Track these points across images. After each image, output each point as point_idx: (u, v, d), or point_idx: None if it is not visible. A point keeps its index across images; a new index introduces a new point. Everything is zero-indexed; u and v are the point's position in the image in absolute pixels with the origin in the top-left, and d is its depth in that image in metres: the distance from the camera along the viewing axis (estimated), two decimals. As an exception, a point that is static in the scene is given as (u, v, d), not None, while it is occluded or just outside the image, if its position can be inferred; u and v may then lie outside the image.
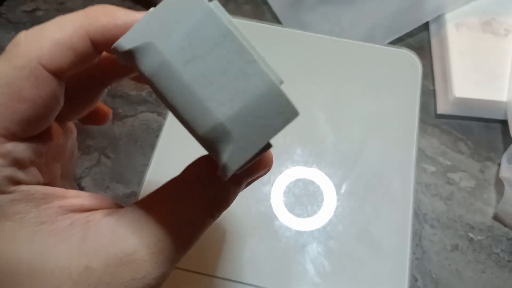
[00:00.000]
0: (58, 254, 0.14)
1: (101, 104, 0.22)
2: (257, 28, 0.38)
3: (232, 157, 0.14)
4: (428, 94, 0.38)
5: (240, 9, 0.41)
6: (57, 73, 0.15)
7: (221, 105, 0.13)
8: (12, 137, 0.15)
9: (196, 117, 0.13)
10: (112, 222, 0.15)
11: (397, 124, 0.35)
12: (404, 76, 0.37)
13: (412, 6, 0.39)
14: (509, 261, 0.31)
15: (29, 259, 0.14)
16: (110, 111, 0.22)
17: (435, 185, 0.34)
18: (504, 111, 0.35)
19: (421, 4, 0.39)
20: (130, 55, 0.14)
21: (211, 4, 0.13)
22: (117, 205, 0.17)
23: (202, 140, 0.14)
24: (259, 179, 0.19)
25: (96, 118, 0.21)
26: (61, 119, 0.18)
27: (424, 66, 0.37)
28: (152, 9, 0.14)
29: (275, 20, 0.40)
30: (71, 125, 0.20)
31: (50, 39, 0.14)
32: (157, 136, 0.34)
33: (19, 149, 0.15)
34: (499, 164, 0.35)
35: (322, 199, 0.32)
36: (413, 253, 0.31)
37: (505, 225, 0.32)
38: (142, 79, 0.15)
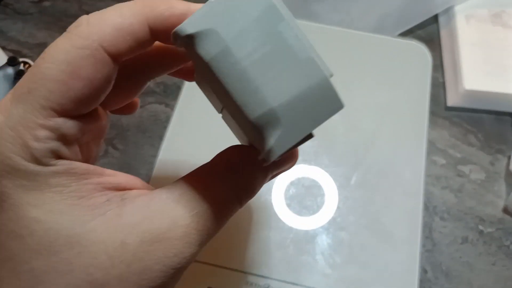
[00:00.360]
0: (95, 228, 0.15)
1: None
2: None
3: (278, 142, 0.14)
4: (438, 86, 0.38)
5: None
6: (115, 57, 0.15)
7: (274, 92, 0.14)
8: (64, 113, 0.15)
9: (249, 102, 0.14)
10: (146, 201, 0.16)
11: (407, 116, 0.34)
12: (414, 68, 0.36)
13: (422, -3, 0.39)
14: (519, 254, 0.31)
15: (67, 230, 0.15)
16: (137, 100, 0.23)
17: (445, 178, 0.34)
18: (514, 103, 0.35)
19: (431, -4, 0.39)
20: (190, 39, 0.14)
21: None
22: (150, 187, 0.18)
23: (252, 124, 0.15)
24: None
25: (126, 106, 0.22)
26: (104, 105, 0.19)
27: (434, 58, 0.37)
28: None
29: (284, 11, 0.40)
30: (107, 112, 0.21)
31: (111, 23, 0.15)
32: (165, 127, 0.34)
33: (68, 125, 0.15)
34: (509, 157, 0.34)
35: (333, 190, 0.32)
36: (423, 245, 0.31)
37: (516, 218, 0.32)
38: (188, 69, 0.16)
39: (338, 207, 0.31)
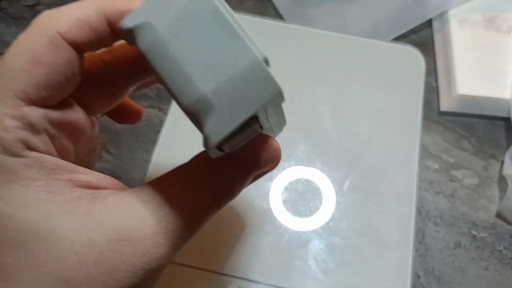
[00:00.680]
0: (62, 224, 0.15)
1: (133, 103, 0.23)
2: (260, 24, 0.38)
3: (213, 129, 0.14)
4: (432, 91, 0.38)
5: (243, 4, 0.41)
6: (75, 46, 0.16)
7: (205, 79, 0.14)
8: (29, 101, 0.15)
9: (182, 90, 0.14)
10: (117, 200, 0.16)
11: (400, 121, 0.34)
12: (407, 73, 0.36)
13: (415, 2, 0.39)
14: (512, 259, 0.31)
15: (33, 225, 0.14)
16: (142, 109, 0.23)
17: (438, 182, 0.34)
18: (507, 108, 0.35)
19: (425, 1, 0.39)
20: (131, 34, 0.15)
21: None
22: (124, 187, 0.18)
23: (187, 112, 0.15)
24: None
25: (130, 116, 0.22)
26: (87, 110, 0.19)
27: (427, 63, 0.37)
28: None
29: (278, 15, 0.40)
30: (94, 119, 0.20)
31: (69, 15, 0.16)
32: (158, 131, 0.34)
33: (35, 113, 0.15)
34: (502, 162, 0.34)
35: (325, 195, 0.32)
36: (416, 250, 0.31)
37: (508, 223, 0.32)
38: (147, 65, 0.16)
39: (331, 212, 0.31)
